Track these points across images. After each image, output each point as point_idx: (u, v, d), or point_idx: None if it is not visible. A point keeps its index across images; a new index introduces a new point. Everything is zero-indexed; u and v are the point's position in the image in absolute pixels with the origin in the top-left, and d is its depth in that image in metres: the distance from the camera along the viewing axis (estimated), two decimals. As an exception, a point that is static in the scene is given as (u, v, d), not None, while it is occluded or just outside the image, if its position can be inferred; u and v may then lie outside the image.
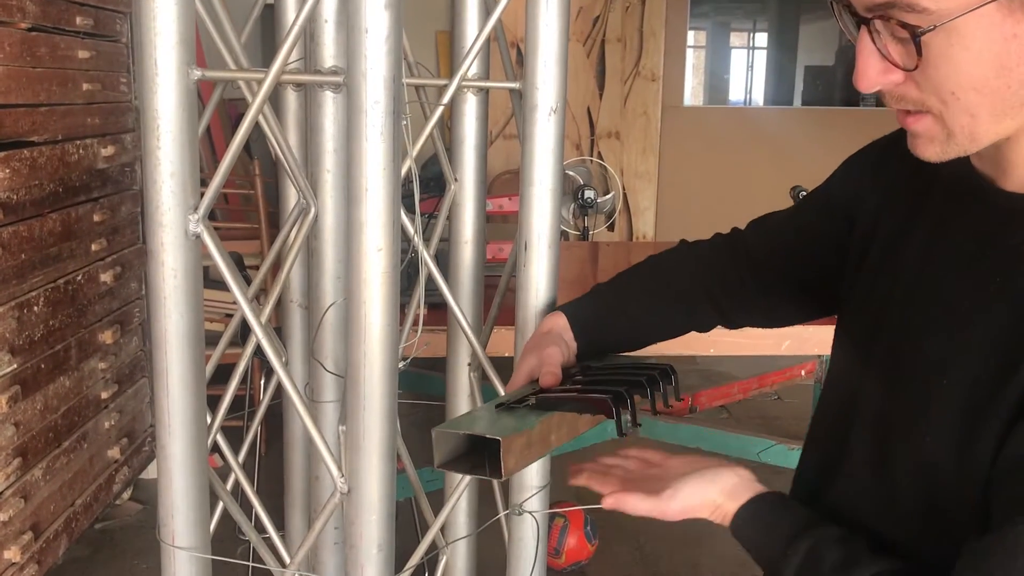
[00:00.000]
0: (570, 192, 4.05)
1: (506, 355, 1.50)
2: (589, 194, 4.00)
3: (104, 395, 2.51)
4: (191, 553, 1.07)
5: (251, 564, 1.83)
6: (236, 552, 2.18)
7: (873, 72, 0.75)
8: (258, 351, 1.16)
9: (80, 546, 2.61)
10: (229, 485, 1.28)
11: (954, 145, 0.76)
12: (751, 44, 8.87)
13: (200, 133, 1.01)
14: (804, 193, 2.88)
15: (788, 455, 2.65)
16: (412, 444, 1.29)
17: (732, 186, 5.10)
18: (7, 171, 2.00)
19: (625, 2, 4.95)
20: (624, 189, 5.10)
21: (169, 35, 0.91)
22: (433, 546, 1.28)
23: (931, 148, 0.77)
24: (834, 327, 0.99)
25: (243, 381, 1.27)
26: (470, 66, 1.23)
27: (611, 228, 5.01)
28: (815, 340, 2.01)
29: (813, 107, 6.14)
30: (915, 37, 0.71)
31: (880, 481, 0.86)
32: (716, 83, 8.54)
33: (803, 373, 3.31)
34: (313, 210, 1.22)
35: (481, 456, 0.90)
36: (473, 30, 1.25)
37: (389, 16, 0.91)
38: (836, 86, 6.17)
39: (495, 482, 1.16)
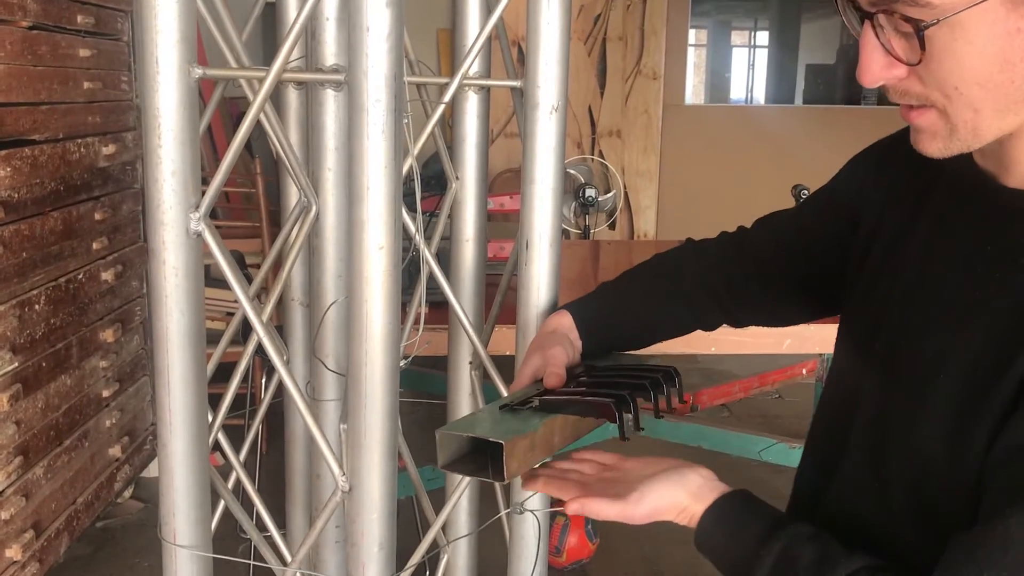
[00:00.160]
0: (571, 191, 4.05)
1: (507, 354, 1.50)
2: (590, 193, 4.00)
3: (105, 393, 2.51)
4: (192, 551, 1.07)
5: (252, 562, 1.83)
6: (237, 550, 2.18)
7: (877, 67, 0.75)
8: (259, 349, 1.16)
9: (81, 544, 2.61)
10: (230, 483, 1.28)
11: (957, 140, 0.76)
12: (752, 43, 8.88)
13: (201, 131, 1.01)
14: (805, 192, 2.88)
15: (789, 454, 2.65)
16: (413, 442, 1.29)
17: (733, 185, 5.10)
18: (8, 169, 2.00)
19: (626, 1, 4.95)
20: (625, 188, 5.09)
21: (170, 33, 0.91)
22: (434, 544, 1.28)
23: (934, 143, 0.77)
24: (836, 326, 0.99)
25: (244, 379, 1.27)
26: (471, 64, 1.23)
27: (612, 227, 5.01)
28: (816, 339, 2.01)
29: (814, 105, 6.14)
30: (919, 31, 0.71)
31: (878, 479, 0.85)
32: (717, 81, 8.54)
33: (804, 372, 3.31)
34: (314, 208, 1.22)
35: (484, 457, 0.90)
36: (474, 28, 1.25)
37: (390, 14, 0.91)
38: (837, 84, 6.17)
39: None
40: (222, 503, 1.25)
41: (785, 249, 1.06)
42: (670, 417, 2.82)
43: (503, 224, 4.16)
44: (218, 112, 4.13)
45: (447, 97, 1.22)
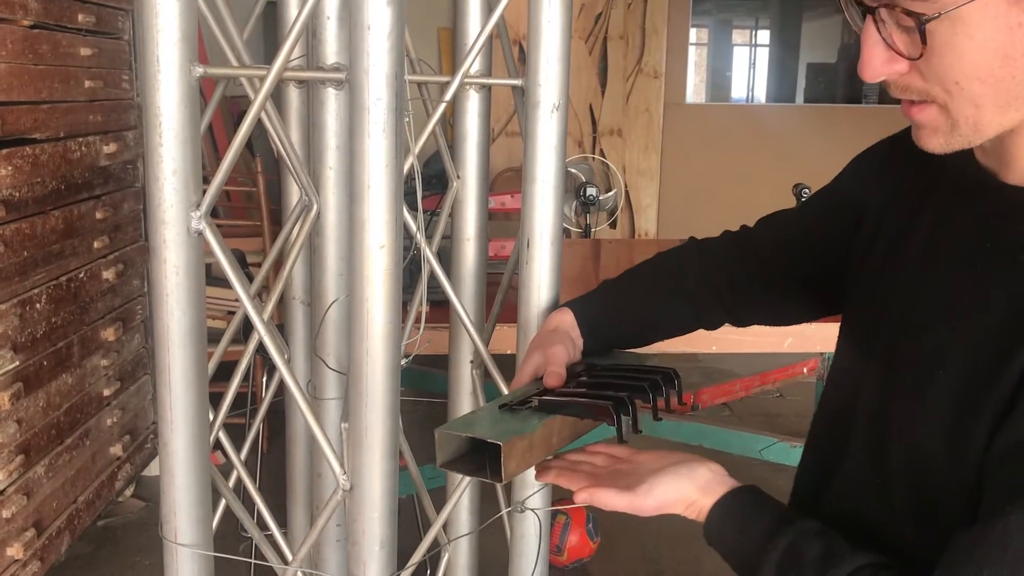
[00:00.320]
0: (572, 189, 4.05)
1: (508, 352, 1.50)
2: (591, 191, 4.01)
3: (106, 392, 2.51)
4: (193, 550, 1.07)
5: (253, 561, 1.83)
6: (239, 549, 2.18)
7: (878, 62, 0.75)
8: (260, 348, 1.16)
9: (83, 543, 2.61)
10: (231, 482, 1.28)
11: (958, 136, 0.76)
12: (753, 41, 8.88)
13: (202, 130, 1.01)
14: (806, 191, 2.88)
15: (790, 453, 2.65)
16: (414, 441, 1.29)
17: (734, 183, 5.10)
18: (9, 168, 2.00)
19: (627, -1, 4.96)
20: (626, 186, 5.09)
21: (171, 32, 0.91)
22: (435, 543, 1.28)
23: (935, 139, 0.77)
24: (838, 325, 0.99)
25: (245, 378, 1.27)
26: (472, 63, 1.22)
27: (613, 225, 5.01)
28: (817, 337, 2.01)
29: (815, 104, 6.14)
30: (920, 25, 0.71)
31: (879, 477, 0.85)
32: (718, 80, 8.54)
33: (805, 371, 3.31)
34: (315, 207, 1.22)
35: (483, 457, 0.91)
36: (475, 27, 1.25)
37: (391, 13, 0.91)
38: (838, 83, 6.17)
39: (497, 481, 1.16)
40: (223, 502, 1.25)
41: (788, 248, 1.06)
42: (671, 416, 2.82)
43: (504, 223, 4.16)
44: (219, 111, 4.13)
45: (448, 96, 1.21)
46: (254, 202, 3.32)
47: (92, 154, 2.40)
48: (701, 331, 1.16)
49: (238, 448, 1.29)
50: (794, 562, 0.80)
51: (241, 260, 3.12)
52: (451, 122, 1.35)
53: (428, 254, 1.22)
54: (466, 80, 1.23)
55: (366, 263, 0.98)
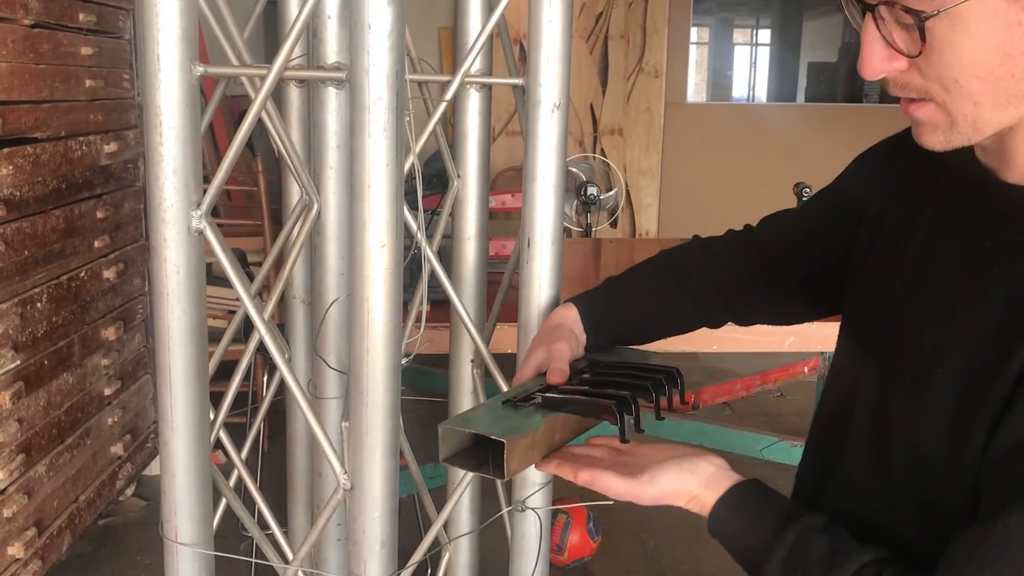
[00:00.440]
0: (573, 189, 4.05)
1: (509, 352, 1.50)
2: (592, 191, 4.00)
3: (107, 391, 2.52)
4: (194, 549, 1.07)
5: (254, 560, 1.83)
6: (239, 548, 2.18)
7: (877, 59, 0.75)
8: (261, 347, 1.16)
9: (83, 542, 2.61)
10: (232, 481, 1.28)
11: (957, 134, 0.76)
12: (754, 40, 8.88)
13: (203, 129, 1.01)
14: (807, 190, 2.88)
15: (790, 452, 2.65)
16: (415, 440, 1.29)
17: (735, 183, 5.10)
18: (10, 167, 2.00)
19: (628, -2, 4.95)
20: (627, 186, 5.09)
21: (172, 31, 0.91)
22: (436, 542, 1.28)
23: (934, 137, 0.77)
24: (838, 324, 0.99)
25: (246, 378, 1.27)
26: (473, 62, 1.22)
27: (614, 225, 5.01)
28: (818, 337, 2.01)
29: (816, 103, 6.14)
30: (919, 23, 0.71)
31: (878, 476, 0.85)
32: (719, 79, 8.55)
33: (806, 370, 3.31)
34: (316, 206, 1.22)
35: (485, 452, 0.91)
36: (476, 26, 1.25)
37: (392, 12, 0.91)
38: (839, 82, 6.17)
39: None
40: (224, 501, 1.25)
41: (791, 248, 1.06)
42: (672, 415, 2.82)
43: (504, 222, 4.16)
44: (219, 110, 4.13)
45: (449, 95, 1.21)
46: (255, 201, 3.32)
47: (93, 153, 2.40)
48: (702, 330, 1.16)
49: (239, 447, 1.29)
50: (800, 559, 0.81)
51: (242, 259, 3.12)
52: (452, 121, 1.35)
53: (429, 253, 1.22)
54: (467, 79, 1.23)
55: (367, 262, 0.98)
